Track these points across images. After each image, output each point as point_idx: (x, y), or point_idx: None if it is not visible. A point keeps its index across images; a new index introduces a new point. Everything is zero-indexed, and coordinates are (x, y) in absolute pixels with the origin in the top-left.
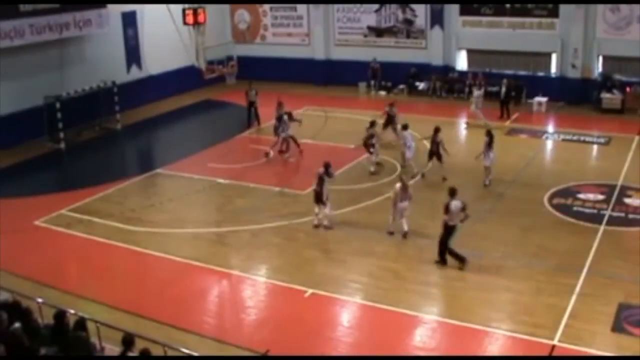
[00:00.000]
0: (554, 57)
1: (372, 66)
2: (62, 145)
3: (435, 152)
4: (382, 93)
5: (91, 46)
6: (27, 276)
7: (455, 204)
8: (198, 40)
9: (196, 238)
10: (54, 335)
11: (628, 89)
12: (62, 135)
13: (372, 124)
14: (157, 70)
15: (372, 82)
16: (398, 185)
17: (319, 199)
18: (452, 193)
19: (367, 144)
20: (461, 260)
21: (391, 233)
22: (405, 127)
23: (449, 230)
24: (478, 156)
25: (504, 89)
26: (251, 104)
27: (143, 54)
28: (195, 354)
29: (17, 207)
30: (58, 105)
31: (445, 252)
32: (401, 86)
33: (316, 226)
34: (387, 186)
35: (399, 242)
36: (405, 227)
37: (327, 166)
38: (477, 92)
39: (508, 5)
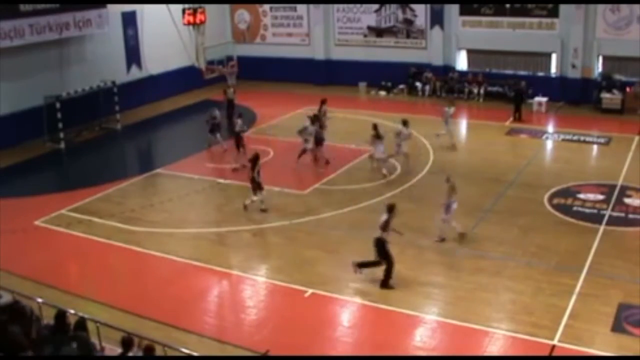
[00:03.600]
0: (554, 57)
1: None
2: (62, 145)
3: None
4: (382, 93)
5: (91, 46)
6: (27, 276)
7: None
8: (198, 40)
9: (196, 238)
10: (54, 335)
11: (628, 89)
12: (62, 135)
13: (314, 118)
14: (157, 70)
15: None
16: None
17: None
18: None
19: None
20: None
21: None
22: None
23: None
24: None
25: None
26: (230, 102)
27: (143, 54)
28: (195, 354)
29: (17, 207)
30: (58, 105)
31: None
32: (401, 86)
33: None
34: (387, 186)
35: (399, 242)
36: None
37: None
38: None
39: (508, 5)
